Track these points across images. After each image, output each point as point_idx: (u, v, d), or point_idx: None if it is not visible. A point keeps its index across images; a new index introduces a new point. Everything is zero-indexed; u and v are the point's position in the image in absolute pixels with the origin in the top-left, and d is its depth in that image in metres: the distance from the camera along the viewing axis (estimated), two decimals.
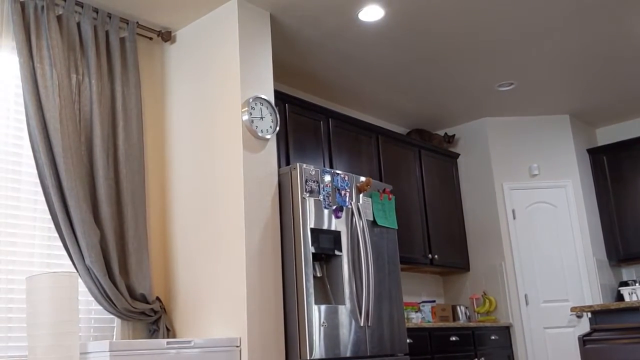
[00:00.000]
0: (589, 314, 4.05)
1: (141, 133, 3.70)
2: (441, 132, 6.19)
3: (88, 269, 3.24)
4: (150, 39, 4.06)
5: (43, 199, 3.22)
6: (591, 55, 4.84)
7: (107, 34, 3.71)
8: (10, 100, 3.33)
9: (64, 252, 3.27)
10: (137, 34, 3.91)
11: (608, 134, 6.51)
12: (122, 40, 3.78)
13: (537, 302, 5.61)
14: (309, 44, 4.35)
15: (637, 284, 5.79)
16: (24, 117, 3.29)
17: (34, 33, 3.31)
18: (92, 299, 3.33)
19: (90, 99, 3.50)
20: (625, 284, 5.92)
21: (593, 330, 3.82)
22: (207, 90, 3.79)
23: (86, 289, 3.30)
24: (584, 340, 3.75)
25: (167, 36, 4.03)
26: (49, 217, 3.24)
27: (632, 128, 6.34)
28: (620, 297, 5.78)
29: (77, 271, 3.23)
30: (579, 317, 5.56)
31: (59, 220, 3.19)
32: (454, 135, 6.05)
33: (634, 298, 5.36)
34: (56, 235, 3.25)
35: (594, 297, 5.61)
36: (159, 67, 4.10)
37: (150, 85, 4.00)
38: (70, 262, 3.25)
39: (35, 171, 3.23)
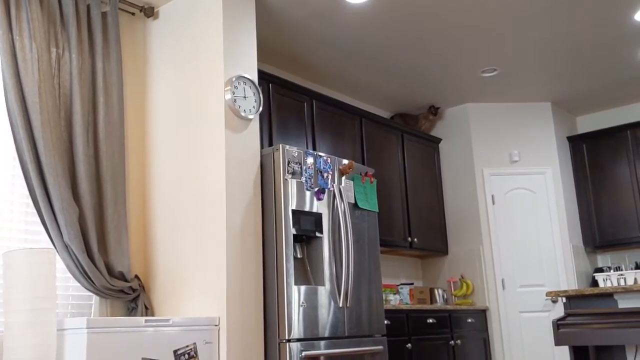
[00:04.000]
0: (564, 299, 4.12)
1: (122, 110, 3.66)
2: (426, 106, 6.10)
3: (66, 246, 3.22)
4: (133, 14, 3.99)
5: (21, 174, 3.18)
6: (575, 43, 4.87)
7: (88, 8, 3.64)
8: None
9: (42, 228, 3.24)
10: (119, 8, 3.85)
11: (588, 122, 6.58)
12: (104, 15, 3.71)
13: (514, 287, 5.70)
14: (294, 24, 4.32)
15: (611, 271, 5.90)
16: (1, 91, 3.22)
17: (14, 5, 3.24)
18: (70, 275, 3.31)
19: (71, 73, 3.45)
20: (600, 270, 6.02)
21: (567, 315, 3.89)
22: (190, 68, 3.75)
23: (64, 266, 3.27)
24: (558, 325, 3.82)
25: (149, 12, 3.97)
26: (27, 192, 3.20)
27: (612, 117, 6.41)
28: (595, 283, 5.88)
29: (55, 248, 3.20)
30: (554, 301, 5.66)
31: (37, 196, 3.15)
32: (439, 108, 6.05)
33: (608, 284, 5.46)
34: (34, 211, 3.22)
35: (569, 282, 5.71)
36: (141, 43, 4.04)
37: (131, 62, 3.94)
38: (48, 239, 3.22)
39: (13, 146, 3.18)
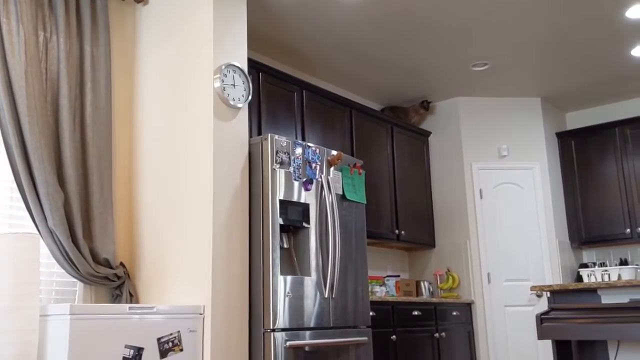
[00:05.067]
0: (548, 294, 4.15)
1: (109, 95, 3.63)
2: (418, 100, 6.10)
3: (51, 232, 3.19)
4: None
5: (5, 158, 3.15)
6: (566, 40, 4.88)
7: None
8: None
9: (27, 213, 3.21)
10: None
11: (577, 119, 6.61)
12: None
13: (499, 281, 5.73)
14: (285, 13, 4.29)
15: (596, 267, 5.95)
16: None
17: None
18: (54, 261, 3.29)
19: (58, 57, 3.41)
20: (585, 266, 6.07)
21: (551, 309, 3.92)
22: (179, 55, 3.72)
23: (48, 252, 3.25)
24: (541, 319, 3.85)
25: None
26: (12, 177, 3.17)
27: (601, 114, 6.44)
28: (579, 279, 5.93)
29: (40, 233, 3.18)
30: (539, 296, 5.70)
31: (22, 180, 3.12)
32: (430, 102, 6.04)
33: (593, 280, 5.51)
34: (18, 195, 3.19)
35: (554, 277, 5.75)
36: (130, 29, 4.01)
37: (120, 47, 3.91)
38: (33, 224, 3.20)
39: None
